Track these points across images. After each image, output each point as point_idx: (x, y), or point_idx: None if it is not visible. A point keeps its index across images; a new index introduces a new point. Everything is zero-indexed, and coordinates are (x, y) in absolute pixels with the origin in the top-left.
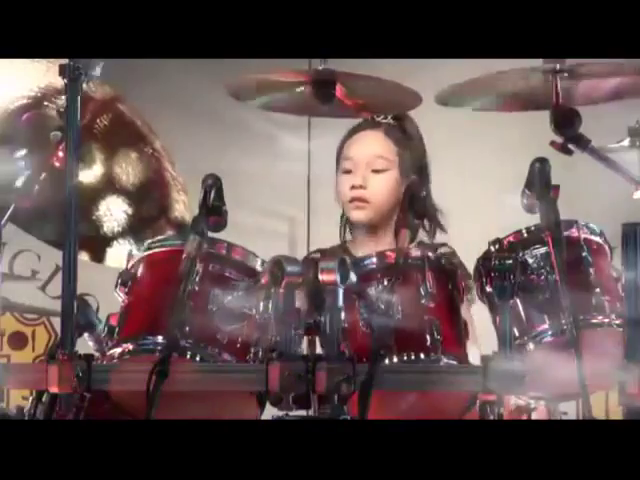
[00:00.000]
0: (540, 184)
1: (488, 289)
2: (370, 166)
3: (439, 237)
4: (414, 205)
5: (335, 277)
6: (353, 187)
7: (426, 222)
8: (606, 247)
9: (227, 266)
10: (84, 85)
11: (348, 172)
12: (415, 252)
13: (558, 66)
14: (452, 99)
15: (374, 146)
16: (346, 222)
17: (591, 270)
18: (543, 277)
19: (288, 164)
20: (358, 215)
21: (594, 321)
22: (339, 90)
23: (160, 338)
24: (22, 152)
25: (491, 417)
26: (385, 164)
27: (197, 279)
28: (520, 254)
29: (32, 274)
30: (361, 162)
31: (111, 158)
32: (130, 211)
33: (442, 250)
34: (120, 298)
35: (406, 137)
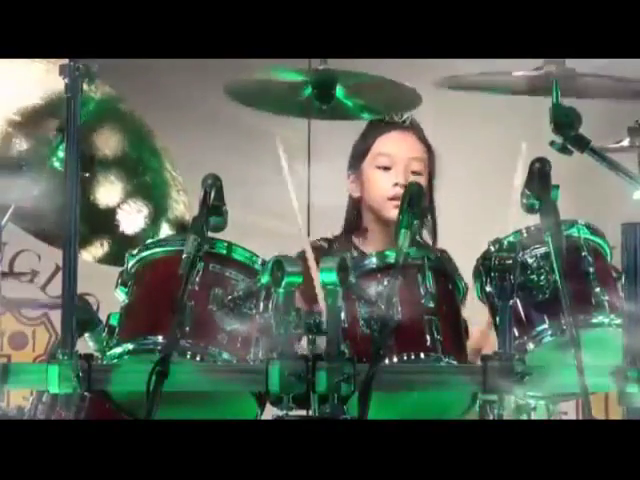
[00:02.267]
0: (540, 184)
1: (488, 289)
2: (409, 167)
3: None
4: (414, 206)
5: (335, 277)
6: (397, 185)
7: (429, 222)
8: (606, 247)
9: (227, 266)
10: (84, 85)
11: (386, 169)
12: (415, 252)
13: (558, 66)
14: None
15: (412, 148)
16: (356, 214)
17: (591, 270)
18: (543, 277)
19: (288, 164)
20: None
21: (594, 321)
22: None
23: (160, 338)
24: (22, 152)
25: (491, 417)
26: (421, 167)
27: (197, 279)
28: (520, 254)
29: (32, 274)
30: (401, 161)
31: (111, 158)
32: (130, 211)
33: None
34: (120, 298)
35: (428, 143)
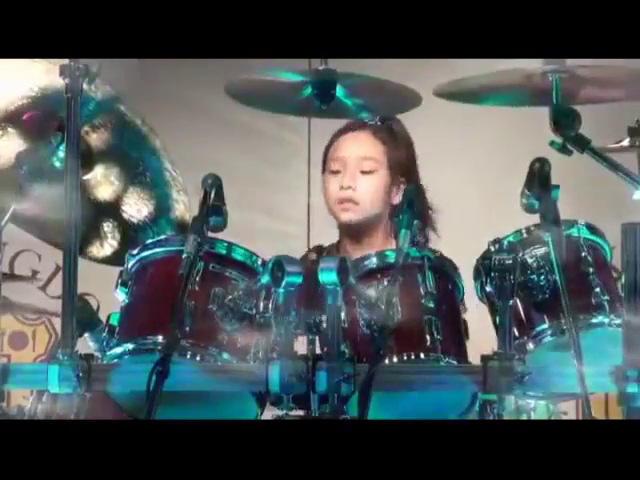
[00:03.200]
0: (540, 184)
1: (488, 289)
2: (359, 167)
3: (436, 243)
4: (414, 206)
5: (335, 277)
6: (342, 188)
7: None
8: (606, 247)
9: (227, 266)
10: (84, 85)
11: (336, 173)
12: (415, 252)
13: (558, 66)
14: (451, 93)
15: (362, 147)
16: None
17: (591, 270)
18: (543, 277)
19: (288, 163)
20: (347, 216)
21: (594, 321)
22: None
23: (160, 338)
24: (22, 152)
25: (491, 417)
26: (373, 165)
27: (197, 279)
28: (520, 254)
29: (32, 274)
30: (350, 163)
31: (111, 158)
32: (130, 211)
33: None
34: (120, 298)
35: (393, 137)
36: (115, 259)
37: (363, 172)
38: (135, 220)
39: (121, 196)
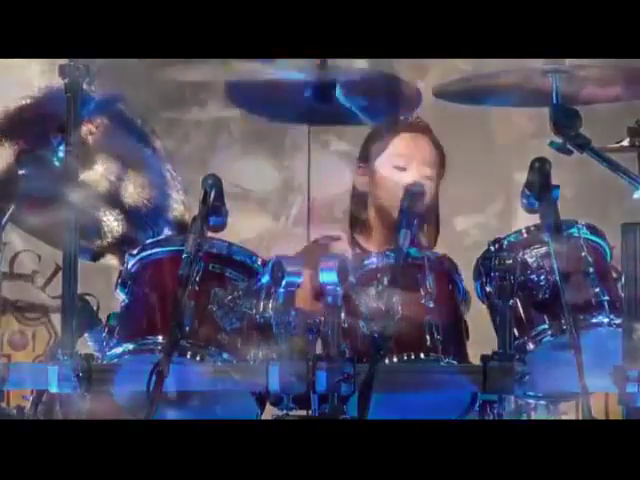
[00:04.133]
0: (540, 184)
1: (488, 289)
2: (422, 171)
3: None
4: (414, 205)
5: (335, 277)
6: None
7: (426, 227)
8: (606, 247)
9: (227, 266)
10: (84, 85)
11: (402, 169)
12: (415, 252)
13: (558, 66)
14: (451, 93)
15: (425, 151)
16: (361, 210)
17: (591, 270)
18: (543, 277)
19: (288, 163)
20: None
21: (594, 321)
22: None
23: (160, 338)
24: (23, 152)
25: (491, 417)
26: (432, 173)
27: (197, 279)
28: (520, 254)
29: (32, 274)
30: (414, 164)
31: (111, 158)
32: (130, 211)
33: None
34: (120, 298)
35: (439, 145)
36: (115, 259)
37: (425, 177)
38: (134, 220)
39: (121, 196)
